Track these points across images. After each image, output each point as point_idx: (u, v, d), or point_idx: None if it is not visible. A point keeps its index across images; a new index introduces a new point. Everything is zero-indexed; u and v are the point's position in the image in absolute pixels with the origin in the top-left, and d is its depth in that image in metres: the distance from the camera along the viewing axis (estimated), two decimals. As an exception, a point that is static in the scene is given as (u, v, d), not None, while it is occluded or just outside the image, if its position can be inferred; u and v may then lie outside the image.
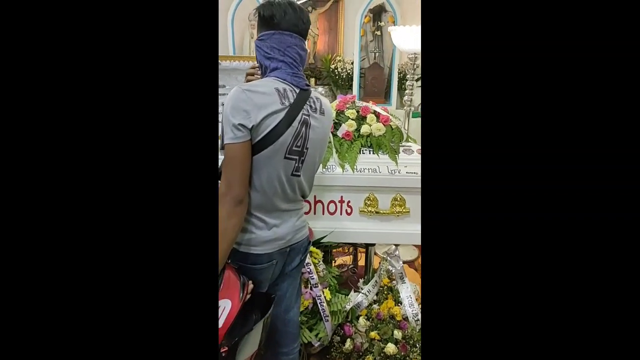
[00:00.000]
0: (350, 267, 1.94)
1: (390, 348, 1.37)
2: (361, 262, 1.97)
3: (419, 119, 3.20)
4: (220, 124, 0.82)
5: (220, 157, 0.88)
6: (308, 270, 1.38)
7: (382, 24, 3.65)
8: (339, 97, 1.64)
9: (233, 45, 3.22)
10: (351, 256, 2.02)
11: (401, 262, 1.60)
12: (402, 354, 1.38)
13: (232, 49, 3.23)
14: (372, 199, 1.50)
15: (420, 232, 1.50)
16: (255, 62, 0.99)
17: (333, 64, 3.72)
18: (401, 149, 1.53)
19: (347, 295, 1.51)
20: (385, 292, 1.59)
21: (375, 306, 1.53)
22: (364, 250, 1.75)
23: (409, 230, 1.51)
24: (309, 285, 1.38)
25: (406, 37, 1.72)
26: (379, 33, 3.70)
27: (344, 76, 3.64)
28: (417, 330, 1.46)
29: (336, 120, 1.55)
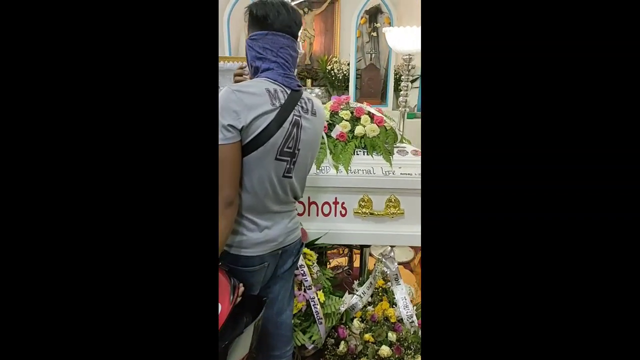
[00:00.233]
0: (346, 268, 1.93)
1: (385, 350, 1.36)
2: (356, 263, 1.96)
3: (414, 120, 3.20)
4: None
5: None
6: (302, 272, 1.37)
7: (378, 25, 3.65)
8: (333, 98, 1.64)
9: (229, 46, 3.22)
10: (346, 258, 2.01)
11: (396, 264, 1.60)
12: (397, 356, 1.37)
13: (228, 49, 3.23)
14: (366, 200, 1.49)
15: (414, 233, 1.51)
16: (243, 63, 0.98)
17: (329, 65, 3.72)
18: (395, 150, 1.53)
19: (342, 297, 1.50)
20: (380, 294, 1.58)
21: (370, 308, 1.52)
22: (359, 251, 1.74)
23: (403, 232, 1.51)
24: (303, 288, 1.37)
25: (400, 38, 1.72)
26: (375, 34, 3.70)
27: (340, 77, 3.64)
28: (412, 333, 1.45)
29: (330, 122, 1.55)
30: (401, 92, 1.86)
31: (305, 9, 3.72)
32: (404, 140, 1.63)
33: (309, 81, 3.82)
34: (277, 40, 0.90)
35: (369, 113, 1.56)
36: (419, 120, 3.32)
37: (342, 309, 1.46)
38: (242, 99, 0.83)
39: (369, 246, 1.69)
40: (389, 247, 1.60)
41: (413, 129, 2.43)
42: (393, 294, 1.56)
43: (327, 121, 1.54)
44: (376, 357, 1.38)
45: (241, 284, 0.91)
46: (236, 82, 1.03)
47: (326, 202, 1.50)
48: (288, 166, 0.93)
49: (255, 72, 0.93)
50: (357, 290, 1.58)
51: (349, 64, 3.51)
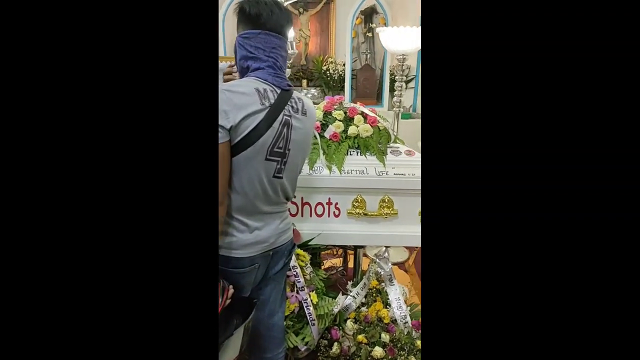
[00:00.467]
0: (340, 269, 1.92)
1: (378, 352, 1.35)
2: (351, 264, 1.96)
3: (409, 120, 3.20)
4: None
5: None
6: (294, 273, 1.36)
7: (374, 25, 3.65)
8: (326, 98, 1.63)
9: (224, 46, 3.21)
10: (341, 258, 2.00)
11: (390, 264, 1.59)
12: (390, 357, 1.36)
13: (224, 49, 3.22)
14: (360, 201, 1.48)
15: (407, 233, 1.51)
16: (232, 62, 0.97)
17: (325, 65, 3.72)
18: (389, 150, 1.52)
19: (335, 298, 1.49)
20: (374, 295, 1.57)
21: (363, 309, 1.52)
22: (353, 252, 1.73)
23: (397, 232, 1.50)
24: (295, 289, 1.36)
25: (394, 38, 1.72)
26: (370, 35, 3.70)
27: (336, 78, 3.64)
28: (405, 333, 1.45)
29: (323, 122, 1.54)
30: (395, 93, 1.85)
31: (301, 9, 3.72)
32: (397, 141, 1.63)
33: (304, 82, 3.81)
34: (270, 41, 0.89)
35: (362, 113, 1.56)
36: (414, 120, 3.32)
37: (336, 310, 1.46)
38: (232, 99, 0.83)
39: (363, 247, 1.68)
40: (384, 248, 1.59)
41: (407, 129, 2.43)
42: (387, 295, 1.55)
43: (321, 121, 1.54)
44: (369, 358, 1.37)
45: (231, 286, 0.90)
46: (226, 81, 1.02)
47: (319, 203, 1.50)
48: (278, 166, 0.92)
49: (245, 71, 0.92)
50: (350, 291, 1.57)
51: (344, 65, 3.51)
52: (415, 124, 2.84)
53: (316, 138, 1.50)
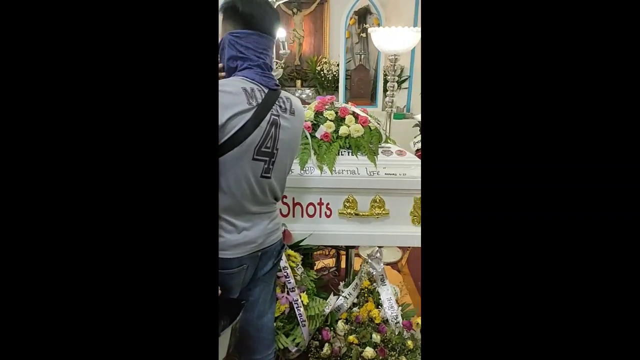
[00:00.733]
0: (332, 269, 1.92)
1: (369, 352, 1.35)
2: (343, 264, 1.95)
3: (402, 121, 3.21)
4: None
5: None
6: (285, 274, 1.35)
7: (368, 26, 3.66)
8: (317, 98, 1.63)
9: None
10: (333, 259, 2.00)
11: (382, 264, 1.59)
12: (380, 357, 1.36)
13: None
14: (351, 201, 1.48)
15: (399, 233, 1.51)
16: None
17: (319, 65, 3.72)
18: (380, 150, 1.52)
19: (326, 299, 1.48)
20: (366, 295, 1.57)
21: (355, 309, 1.51)
22: (344, 252, 1.73)
23: (388, 232, 1.50)
24: (286, 290, 1.35)
25: (386, 38, 1.72)
26: (364, 35, 3.71)
27: (330, 78, 3.64)
28: (397, 334, 1.44)
29: (315, 122, 1.54)
30: (387, 93, 1.85)
31: (295, 10, 3.71)
32: (388, 141, 1.63)
33: (298, 82, 3.81)
34: (261, 42, 0.89)
35: (353, 113, 1.55)
36: (407, 120, 3.32)
37: (327, 311, 1.45)
38: (218, 98, 0.82)
39: (354, 247, 1.68)
40: (376, 248, 1.59)
41: (400, 129, 2.43)
42: (379, 295, 1.55)
43: (312, 121, 1.53)
44: (360, 359, 1.36)
45: (218, 287, 0.89)
46: None
47: (311, 203, 1.49)
48: (266, 166, 0.92)
49: (233, 71, 0.91)
50: (342, 292, 1.57)
51: (338, 65, 3.50)
52: (408, 124, 2.84)
53: (307, 138, 1.49)
